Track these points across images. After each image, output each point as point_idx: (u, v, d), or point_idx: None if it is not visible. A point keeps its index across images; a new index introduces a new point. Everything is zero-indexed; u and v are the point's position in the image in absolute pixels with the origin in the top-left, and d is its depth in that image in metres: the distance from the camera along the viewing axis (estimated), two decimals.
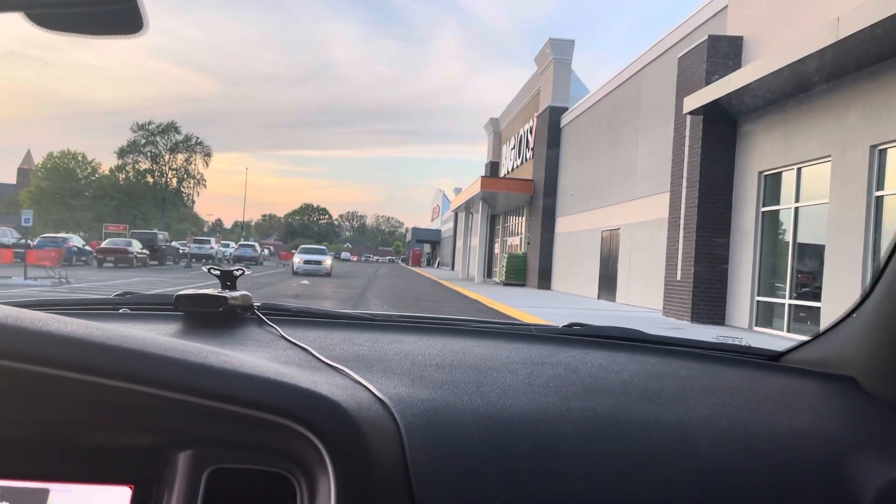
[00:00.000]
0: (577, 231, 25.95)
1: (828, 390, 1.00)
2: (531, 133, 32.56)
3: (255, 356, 0.88)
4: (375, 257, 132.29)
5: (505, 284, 31.01)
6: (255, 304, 1.21)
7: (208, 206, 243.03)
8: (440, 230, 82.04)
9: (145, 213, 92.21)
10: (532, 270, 30.20)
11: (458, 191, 63.68)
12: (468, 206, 39.79)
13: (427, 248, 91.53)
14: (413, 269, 65.64)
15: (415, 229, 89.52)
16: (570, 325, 1.31)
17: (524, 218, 34.12)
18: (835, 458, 0.83)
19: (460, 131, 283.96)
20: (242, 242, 52.18)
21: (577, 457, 0.79)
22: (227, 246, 51.20)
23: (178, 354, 0.72)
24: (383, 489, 0.71)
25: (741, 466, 0.80)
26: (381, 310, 4.48)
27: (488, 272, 43.53)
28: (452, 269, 63.03)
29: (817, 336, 1.13)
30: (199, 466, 0.73)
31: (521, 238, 34.94)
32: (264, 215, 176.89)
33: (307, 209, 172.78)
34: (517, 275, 31.14)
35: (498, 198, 32.78)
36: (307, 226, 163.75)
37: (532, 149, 32.34)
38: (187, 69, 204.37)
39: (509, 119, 39.32)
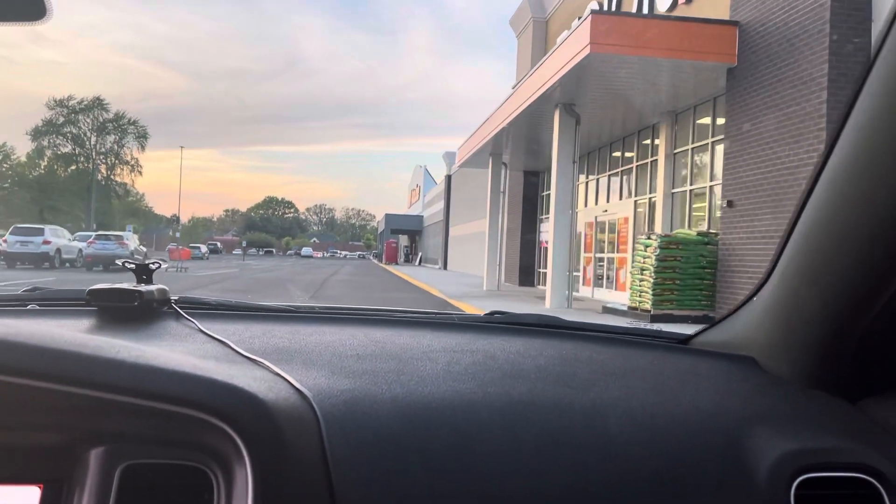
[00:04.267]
0: None
1: (729, 370, 1.01)
2: None
3: (172, 350, 0.83)
4: (343, 252, 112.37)
5: (655, 319, 10.35)
6: (172, 297, 1.13)
7: (171, 202, 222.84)
8: (422, 216, 60.43)
9: (71, 205, 71.33)
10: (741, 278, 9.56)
11: (450, 156, 42.66)
12: (496, 146, 18.93)
13: (405, 240, 70.27)
14: (388, 268, 44.60)
15: (389, 216, 66.64)
16: (492, 314, 1.28)
17: (663, 155, 13.46)
18: (733, 433, 0.84)
19: (433, 124, 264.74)
20: (100, 233, 30.59)
21: (493, 440, 0.79)
22: (83, 240, 29.61)
23: (89, 350, 0.68)
24: (301, 478, 0.69)
25: (647, 443, 0.81)
26: None
27: (524, 278, 22.57)
28: (444, 267, 42.07)
29: (723, 319, 1.13)
30: (111, 463, 0.69)
31: (640, 204, 14.31)
32: (227, 210, 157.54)
33: (271, 202, 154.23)
34: (690, 295, 10.55)
35: (613, 86, 12.03)
36: (269, 219, 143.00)
37: None
38: (154, 65, 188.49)
39: None
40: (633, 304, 11.37)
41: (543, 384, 0.90)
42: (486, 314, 1.28)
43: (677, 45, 10.17)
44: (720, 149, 11.50)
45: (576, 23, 17.38)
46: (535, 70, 13.27)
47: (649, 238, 11.17)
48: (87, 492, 0.67)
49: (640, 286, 11.17)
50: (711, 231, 11.17)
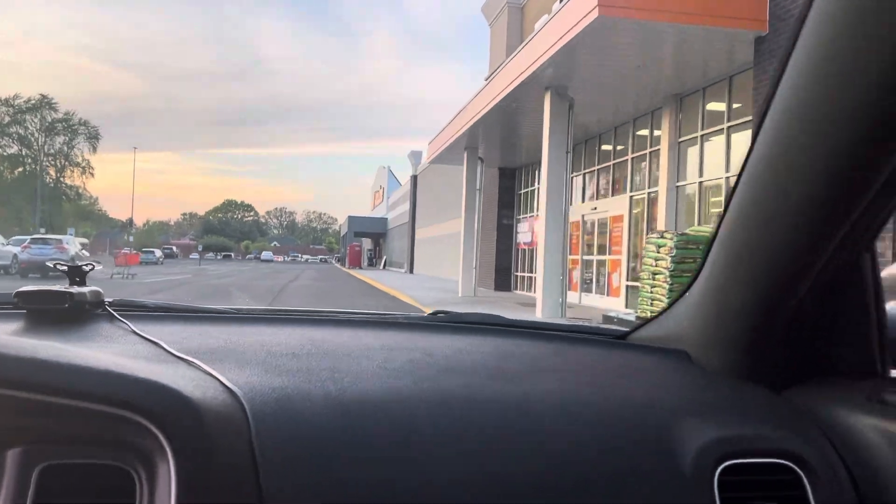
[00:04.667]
0: None
1: (661, 364, 1.03)
2: None
3: (101, 351, 0.81)
4: (305, 256, 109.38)
5: None
6: (106, 300, 1.10)
7: (127, 206, 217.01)
8: (386, 218, 58.49)
9: (19, 209, 67.42)
10: None
11: (416, 156, 40.89)
12: (472, 140, 17.28)
13: (368, 243, 68.17)
14: (351, 272, 42.64)
15: (352, 218, 63.94)
16: (435, 313, 1.29)
17: (666, 144, 11.96)
18: (662, 423, 0.85)
19: (395, 127, 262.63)
20: (35, 237, 28.15)
21: (427, 435, 0.78)
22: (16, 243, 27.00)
23: (8, 350, 0.66)
24: (227, 476, 0.68)
25: (579, 435, 0.82)
26: None
27: (500, 282, 20.99)
28: (411, 271, 40.32)
29: (658, 315, 1.14)
30: (28, 464, 0.67)
31: (637, 200, 12.81)
32: (184, 213, 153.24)
33: (230, 205, 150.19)
34: None
35: (613, 64, 10.45)
36: (227, 223, 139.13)
37: None
38: (110, 66, 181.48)
39: None
40: (643, 313, 9.78)
41: (479, 379, 0.90)
42: (429, 313, 1.28)
43: (701, 8, 8.64)
44: (739, 136, 10.00)
45: (557, 6, 15.81)
46: (521, 50, 11.65)
47: (663, 237, 9.60)
48: (2, 494, 0.66)
49: (651, 293, 9.59)
50: None
